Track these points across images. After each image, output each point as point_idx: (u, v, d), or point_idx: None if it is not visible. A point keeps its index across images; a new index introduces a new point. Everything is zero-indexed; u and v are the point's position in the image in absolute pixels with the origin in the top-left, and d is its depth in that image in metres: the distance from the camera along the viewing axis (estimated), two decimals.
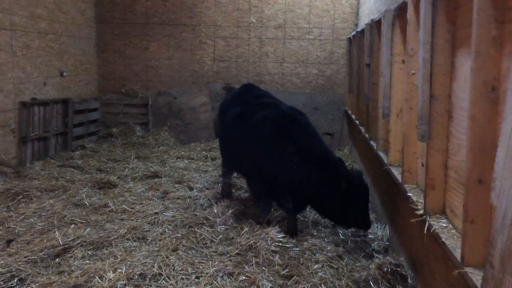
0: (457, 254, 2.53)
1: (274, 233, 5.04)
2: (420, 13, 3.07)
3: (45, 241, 4.69)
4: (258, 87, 6.58)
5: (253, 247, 4.75)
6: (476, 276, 2.26)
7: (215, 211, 5.57)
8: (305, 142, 4.95)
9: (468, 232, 2.38)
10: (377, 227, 5.40)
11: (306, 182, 4.86)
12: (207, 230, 5.10)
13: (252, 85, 6.62)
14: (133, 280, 3.89)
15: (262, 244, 4.75)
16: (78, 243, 4.65)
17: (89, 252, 4.52)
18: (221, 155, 6.73)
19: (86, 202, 5.96)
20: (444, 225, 3.00)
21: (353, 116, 8.39)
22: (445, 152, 3.06)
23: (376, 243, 5.02)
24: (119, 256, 4.38)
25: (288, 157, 4.94)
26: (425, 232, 3.05)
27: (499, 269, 1.60)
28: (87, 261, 4.32)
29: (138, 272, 3.99)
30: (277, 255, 4.58)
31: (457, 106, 2.90)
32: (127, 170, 7.74)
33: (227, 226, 5.32)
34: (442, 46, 2.92)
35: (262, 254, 4.58)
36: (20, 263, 4.18)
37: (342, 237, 5.20)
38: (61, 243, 4.59)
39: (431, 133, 3.04)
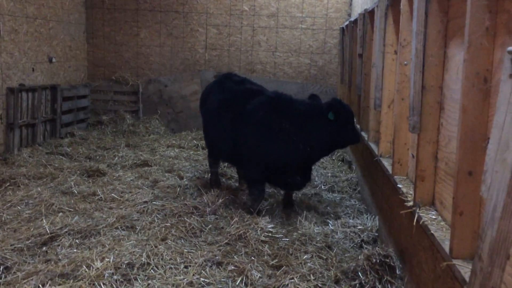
0: (446, 246, 2.53)
1: (264, 223, 5.03)
2: (414, 3, 3.03)
3: (32, 229, 4.64)
4: (237, 74, 6.62)
5: (243, 237, 4.73)
6: (464, 268, 2.26)
7: (205, 200, 5.54)
8: (296, 112, 5.26)
9: (457, 224, 2.38)
10: (367, 218, 5.40)
11: (308, 142, 5.16)
12: (197, 220, 5.07)
13: (231, 73, 6.63)
14: (121, 269, 3.85)
15: (251, 234, 4.74)
16: (66, 232, 4.59)
17: (76, 240, 4.47)
18: (206, 145, 6.64)
19: (74, 190, 5.89)
20: (433, 217, 3.00)
21: None
22: (435, 143, 3.05)
23: (365, 233, 5.01)
24: (107, 245, 4.33)
25: (286, 131, 5.17)
26: (414, 224, 3.04)
27: (488, 262, 1.59)
28: (75, 250, 4.28)
29: (126, 261, 3.95)
30: (267, 245, 4.57)
31: (449, 98, 2.88)
32: (116, 158, 7.67)
33: (216, 216, 5.30)
34: (434, 36, 2.89)
35: (252, 244, 4.57)
36: (6, 251, 4.13)
37: (332, 227, 5.20)
38: (48, 231, 4.53)
39: (422, 124, 3.02)
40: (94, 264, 3.86)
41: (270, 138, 5.17)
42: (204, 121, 6.18)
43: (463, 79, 2.25)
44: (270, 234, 4.79)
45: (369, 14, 5.66)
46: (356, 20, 6.86)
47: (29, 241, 4.37)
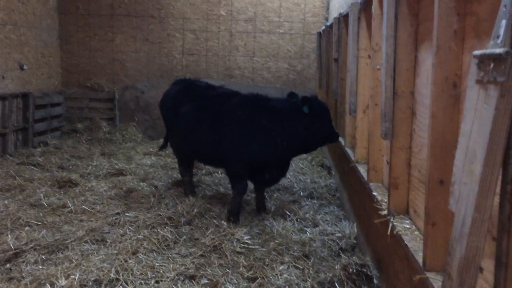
0: (419, 258, 2.43)
1: (240, 234, 4.89)
2: (383, 6, 2.95)
3: None
4: (199, 80, 6.81)
5: (218, 248, 4.59)
6: (437, 282, 2.16)
7: (180, 210, 5.39)
8: (273, 109, 5.48)
9: (429, 236, 2.28)
10: (345, 225, 5.31)
11: (285, 136, 5.36)
12: (170, 231, 4.90)
13: (189, 79, 6.72)
14: (86, 287, 3.67)
15: (227, 245, 4.60)
16: (31, 247, 4.38)
17: (42, 256, 4.27)
18: (177, 154, 6.52)
19: (44, 203, 5.67)
20: (407, 226, 2.91)
21: None
22: (408, 150, 2.96)
23: (343, 241, 4.91)
24: (74, 261, 4.14)
25: (265, 127, 5.38)
26: (388, 233, 2.95)
27: (458, 281, 1.49)
28: (40, 266, 4.07)
29: (92, 278, 3.77)
30: (242, 256, 4.43)
31: (420, 103, 2.80)
32: (90, 167, 7.45)
33: (191, 226, 5.15)
34: (405, 40, 2.81)
35: (227, 256, 4.43)
36: None
37: (310, 235, 5.09)
38: (12, 247, 4.32)
39: (394, 130, 2.94)
40: (58, 281, 3.68)
41: (251, 135, 5.40)
42: (180, 129, 6.02)
43: (432, 84, 2.17)
44: (246, 245, 4.66)
45: (344, 18, 5.59)
46: (332, 25, 6.80)
47: None
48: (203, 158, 6.08)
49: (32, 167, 7.38)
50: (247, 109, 5.54)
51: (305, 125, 5.34)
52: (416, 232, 2.80)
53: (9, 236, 4.60)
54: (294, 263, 4.34)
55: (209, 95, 5.89)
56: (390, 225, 2.95)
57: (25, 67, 8.86)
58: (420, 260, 2.40)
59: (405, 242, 2.66)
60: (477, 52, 1.48)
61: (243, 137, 5.42)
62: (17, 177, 6.65)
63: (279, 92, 10.16)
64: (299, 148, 5.63)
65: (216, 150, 5.57)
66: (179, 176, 7.14)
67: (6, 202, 5.55)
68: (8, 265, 4.11)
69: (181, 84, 6.37)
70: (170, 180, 6.93)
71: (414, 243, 2.65)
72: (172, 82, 6.79)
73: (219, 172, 7.45)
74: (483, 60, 1.44)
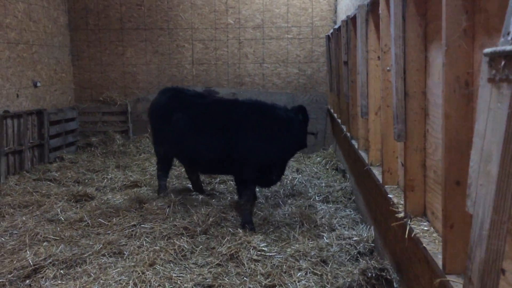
0: (439, 261, 2.38)
1: (257, 241, 4.88)
2: (390, 7, 2.92)
3: (15, 261, 4.46)
4: (187, 88, 7.15)
5: (235, 256, 4.58)
6: (458, 285, 2.12)
7: (195, 220, 5.40)
8: (279, 115, 5.87)
9: (448, 238, 2.24)
10: (362, 228, 5.25)
11: (290, 140, 5.83)
12: (187, 241, 4.91)
13: (177, 87, 7.02)
14: None
15: (244, 253, 4.59)
16: (50, 262, 4.42)
17: (61, 271, 4.31)
18: (161, 160, 6.66)
19: (61, 217, 5.73)
20: (425, 228, 2.86)
21: (335, 115, 8.26)
22: (423, 151, 2.92)
23: (361, 245, 4.86)
24: (92, 274, 4.17)
25: (275, 132, 5.77)
26: (406, 236, 2.90)
27: (479, 285, 1.45)
28: (59, 281, 4.12)
29: None
30: (259, 264, 4.41)
31: (433, 103, 2.76)
32: (105, 180, 7.51)
33: (207, 236, 5.15)
34: (414, 40, 2.78)
35: (244, 264, 4.41)
36: None
37: (327, 240, 5.04)
38: (31, 263, 4.36)
39: (407, 132, 2.90)
40: None
41: (263, 139, 5.72)
42: (174, 136, 6.11)
43: (444, 84, 2.13)
44: (263, 253, 4.63)
45: (352, 21, 5.57)
46: (340, 28, 6.77)
47: (11, 274, 4.20)
48: (204, 164, 6.18)
49: (48, 182, 7.47)
50: (258, 115, 5.84)
51: (301, 130, 5.94)
52: (435, 234, 2.75)
53: (28, 252, 4.65)
54: (312, 269, 4.31)
55: (206, 103, 6.20)
56: (408, 227, 2.90)
57: (38, 84, 9.00)
58: (439, 263, 2.35)
59: (424, 244, 2.61)
60: (487, 50, 1.45)
61: (257, 142, 5.68)
62: (34, 193, 6.73)
63: (290, 97, 10.16)
64: (296, 150, 6.16)
65: (224, 155, 5.75)
66: (191, 185, 7.15)
67: (24, 218, 5.62)
68: (27, 281, 4.16)
69: (170, 93, 6.54)
70: (185, 190, 6.94)
71: (433, 245, 2.60)
72: (159, 92, 6.89)
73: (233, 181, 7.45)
74: (494, 58, 1.41)
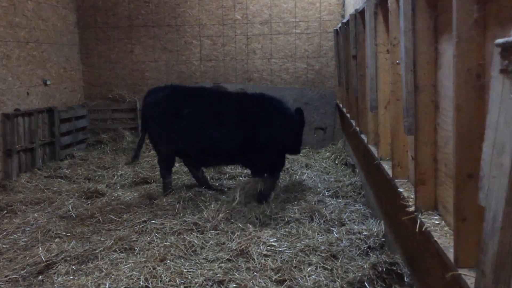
0: (451, 254, 2.37)
1: (266, 236, 4.89)
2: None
3: (27, 258, 4.52)
4: (183, 85, 7.79)
5: (245, 252, 4.59)
6: (471, 279, 2.10)
7: (205, 215, 5.41)
8: (287, 108, 6.70)
9: (460, 231, 2.22)
10: (372, 222, 5.23)
11: (296, 130, 6.67)
12: (197, 237, 4.94)
13: (172, 84, 7.15)
14: None
15: (253, 249, 4.59)
16: (62, 258, 4.47)
17: (73, 267, 4.35)
18: (166, 159, 6.56)
19: (72, 214, 5.78)
20: (436, 222, 2.84)
21: (344, 109, 8.23)
22: (433, 145, 2.89)
23: (371, 239, 4.84)
24: (104, 270, 4.21)
25: (289, 122, 6.51)
26: (417, 230, 2.88)
27: (492, 278, 1.43)
28: (71, 277, 4.16)
29: (122, 287, 3.82)
30: (269, 259, 4.42)
31: (443, 96, 2.73)
32: (116, 177, 7.57)
33: (217, 231, 5.16)
34: (424, 33, 2.75)
35: (254, 259, 4.42)
36: (1, 283, 4.01)
37: (337, 235, 5.03)
38: (43, 259, 4.42)
39: (417, 125, 2.87)
40: None
41: (283, 127, 6.36)
42: (185, 131, 6.16)
43: (455, 76, 2.11)
44: (272, 248, 4.64)
45: (360, 14, 5.53)
46: (348, 21, 6.73)
47: (24, 270, 4.26)
48: (220, 156, 6.39)
49: (59, 179, 7.54)
50: (278, 109, 6.47)
51: (298, 131, 6.72)
52: (446, 228, 2.73)
53: (40, 248, 4.70)
54: (322, 264, 4.30)
55: (214, 96, 6.57)
56: (419, 221, 2.88)
57: (48, 82, 9.07)
58: (451, 256, 2.33)
59: (435, 238, 2.60)
60: (499, 41, 1.43)
61: (279, 131, 6.29)
62: (45, 190, 6.81)
63: (299, 92, 10.13)
64: (289, 151, 6.86)
65: (244, 145, 6.14)
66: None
67: (36, 215, 5.69)
68: (40, 277, 4.21)
69: (166, 90, 6.60)
70: (195, 186, 6.97)
71: (444, 239, 2.58)
72: (151, 91, 6.75)
73: (243, 176, 7.46)
74: (506, 49, 1.39)
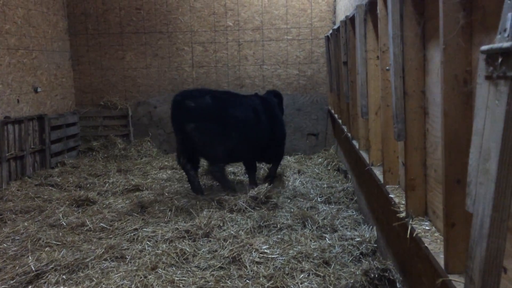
0: (441, 260, 2.37)
1: (259, 244, 4.87)
2: (388, 6, 2.91)
3: (17, 267, 4.46)
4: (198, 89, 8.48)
5: (237, 259, 4.57)
6: (460, 284, 2.10)
7: (197, 223, 5.39)
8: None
9: (450, 237, 2.22)
10: (365, 228, 5.23)
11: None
12: (189, 244, 4.91)
13: (208, 88, 8.20)
14: None
15: (246, 256, 4.57)
16: (52, 268, 4.42)
17: (63, 276, 4.30)
18: (223, 157, 6.79)
19: (62, 222, 5.72)
20: (427, 227, 2.84)
21: (336, 115, 8.25)
22: (423, 150, 2.90)
23: (364, 245, 4.84)
24: (94, 279, 4.17)
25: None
26: (408, 236, 2.88)
27: (480, 284, 1.43)
28: (61, 287, 4.11)
29: None
30: (262, 266, 4.40)
31: (432, 102, 2.75)
32: (107, 185, 7.51)
33: (209, 238, 5.13)
34: (412, 39, 2.77)
35: (246, 266, 4.40)
36: None
37: (329, 241, 5.03)
38: (33, 269, 4.36)
39: (407, 131, 2.89)
40: None
41: (283, 123, 7.87)
42: (232, 130, 6.66)
43: (442, 82, 2.12)
44: (265, 255, 4.62)
45: (350, 21, 5.56)
46: (339, 28, 6.76)
47: (14, 280, 4.20)
48: (252, 152, 7.14)
49: (50, 187, 7.47)
50: (277, 105, 7.74)
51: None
52: (436, 234, 2.74)
53: (30, 257, 4.64)
54: (314, 271, 4.29)
55: (244, 97, 7.35)
56: (409, 227, 2.88)
57: (39, 89, 9.01)
58: (441, 262, 2.34)
59: (426, 244, 2.60)
60: (484, 47, 1.44)
61: (283, 125, 7.73)
62: (35, 198, 6.74)
63: (290, 99, 10.15)
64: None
65: (269, 139, 7.17)
66: (190, 187, 7.08)
67: (26, 223, 5.62)
68: (30, 287, 4.15)
69: (203, 92, 6.89)
70: (187, 193, 6.93)
71: (435, 245, 2.59)
72: (183, 95, 6.83)
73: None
74: (491, 55, 1.40)
